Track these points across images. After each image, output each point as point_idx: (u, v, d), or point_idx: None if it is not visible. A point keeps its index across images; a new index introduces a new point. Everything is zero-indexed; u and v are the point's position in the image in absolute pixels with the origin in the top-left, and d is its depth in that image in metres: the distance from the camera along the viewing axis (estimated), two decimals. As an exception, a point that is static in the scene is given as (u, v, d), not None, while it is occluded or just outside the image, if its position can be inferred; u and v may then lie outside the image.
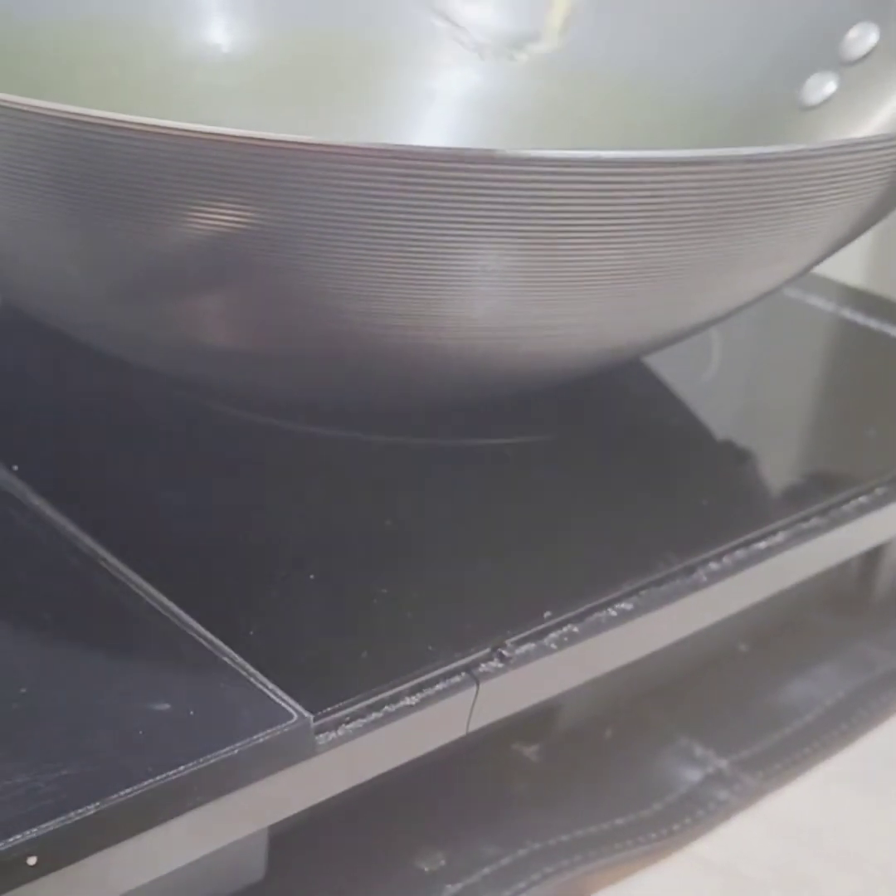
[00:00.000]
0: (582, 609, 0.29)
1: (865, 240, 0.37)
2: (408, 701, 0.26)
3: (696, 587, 0.31)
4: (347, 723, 0.25)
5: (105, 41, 0.45)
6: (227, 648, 0.26)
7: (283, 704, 0.25)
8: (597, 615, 0.29)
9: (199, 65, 0.47)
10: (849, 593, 0.40)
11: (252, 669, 0.26)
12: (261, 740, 0.24)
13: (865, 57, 0.42)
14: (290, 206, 0.27)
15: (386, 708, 0.26)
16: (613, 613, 0.29)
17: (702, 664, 0.36)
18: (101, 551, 0.29)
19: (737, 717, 0.36)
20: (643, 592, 0.30)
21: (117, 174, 0.26)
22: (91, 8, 0.45)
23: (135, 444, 0.34)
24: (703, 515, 0.33)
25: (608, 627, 0.29)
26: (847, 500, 0.34)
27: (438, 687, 0.27)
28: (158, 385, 0.35)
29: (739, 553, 0.32)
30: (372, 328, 0.30)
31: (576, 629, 0.29)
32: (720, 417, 0.39)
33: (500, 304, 0.30)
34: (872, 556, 0.39)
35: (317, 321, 0.30)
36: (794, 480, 0.36)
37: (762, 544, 0.32)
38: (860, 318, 0.44)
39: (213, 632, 0.27)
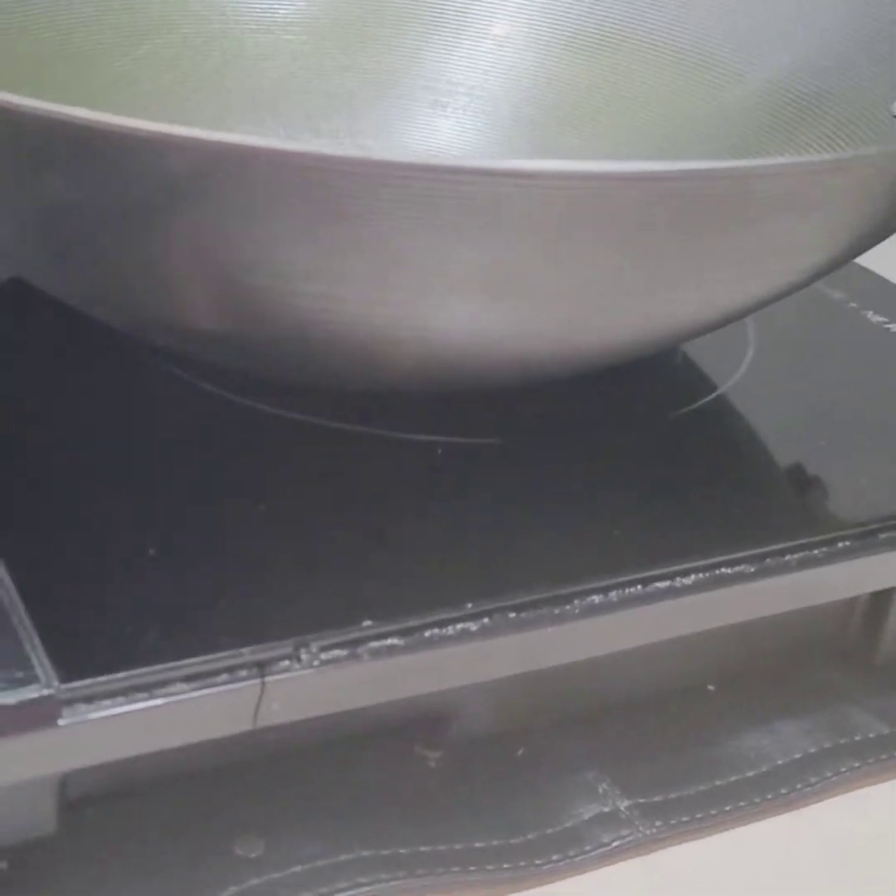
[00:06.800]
0: (413, 623, 0.28)
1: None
2: (180, 687, 0.26)
3: (561, 619, 0.29)
4: (104, 698, 0.26)
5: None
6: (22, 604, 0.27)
7: (39, 670, 0.25)
8: (431, 631, 0.28)
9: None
10: (851, 650, 0.37)
11: (31, 629, 0.26)
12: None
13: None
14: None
15: (157, 689, 0.26)
16: (450, 632, 0.28)
17: (656, 699, 0.34)
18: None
19: (667, 761, 0.34)
20: (494, 616, 0.29)
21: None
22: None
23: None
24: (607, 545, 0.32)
25: (440, 645, 0.28)
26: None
27: (221, 678, 0.26)
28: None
29: (632, 590, 0.30)
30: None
31: (399, 642, 0.28)
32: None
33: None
34: (880, 612, 0.36)
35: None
36: (721, 523, 0.33)
37: (663, 584, 0.30)
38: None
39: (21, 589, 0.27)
